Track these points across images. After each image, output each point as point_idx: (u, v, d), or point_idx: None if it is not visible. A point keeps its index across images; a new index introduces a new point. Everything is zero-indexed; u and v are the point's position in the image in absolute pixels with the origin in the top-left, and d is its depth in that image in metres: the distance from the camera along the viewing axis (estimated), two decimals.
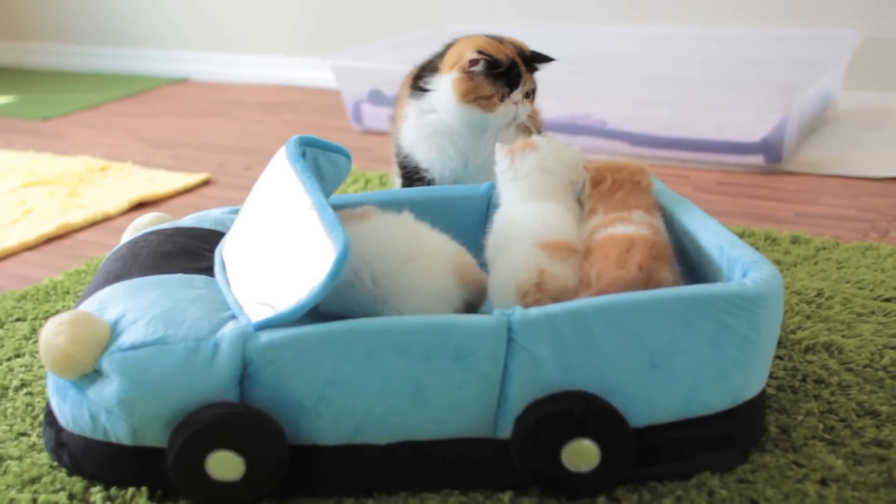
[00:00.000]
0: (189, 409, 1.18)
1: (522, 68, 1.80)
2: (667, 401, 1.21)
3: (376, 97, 3.21)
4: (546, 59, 1.83)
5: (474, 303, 1.44)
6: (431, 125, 1.87)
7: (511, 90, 1.78)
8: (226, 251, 1.45)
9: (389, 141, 2.06)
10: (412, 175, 1.92)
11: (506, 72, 1.78)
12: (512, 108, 1.80)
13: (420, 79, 1.89)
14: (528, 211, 1.49)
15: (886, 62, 3.02)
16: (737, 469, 1.25)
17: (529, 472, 1.21)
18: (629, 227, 1.39)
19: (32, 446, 1.37)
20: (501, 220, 1.52)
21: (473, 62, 1.77)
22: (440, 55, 1.88)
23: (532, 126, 1.89)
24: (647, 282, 1.28)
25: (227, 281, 1.37)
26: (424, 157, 1.90)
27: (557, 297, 1.32)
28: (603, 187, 1.50)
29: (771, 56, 3.07)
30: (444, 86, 1.82)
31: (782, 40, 3.08)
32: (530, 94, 1.83)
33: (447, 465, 1.23)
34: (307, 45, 4.02)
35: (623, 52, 3.33)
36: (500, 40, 1.83)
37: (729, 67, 3.11)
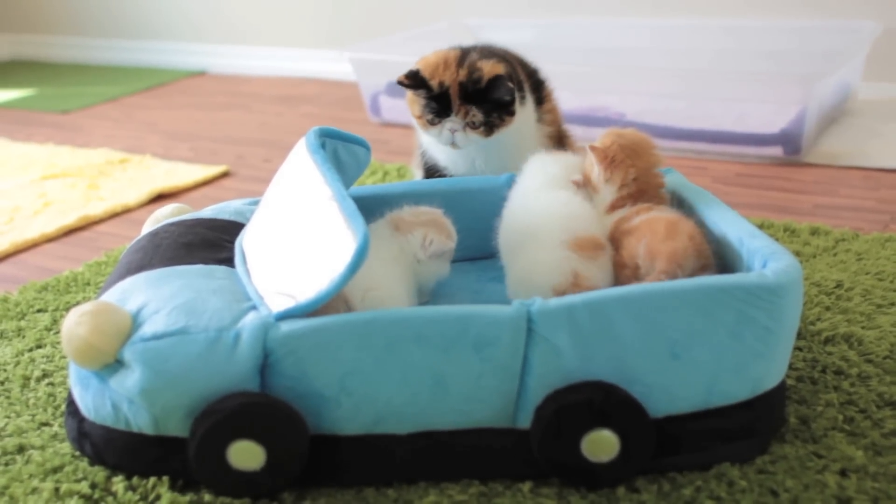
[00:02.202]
0: (210, 398, 1.19)
1: (455, 100, 1.76)
2: (687, 391, 1.21)
3: (394, 89, 3.21)
4: (506, 92, 1.76)
5: None
6: None
7: (439, 118, 1.78)
8: (246, 242, 1.45)
9: (409, 133, 2.06)
10: (432, 171, 1.93)
11: (434, 98, 1.77)
12: (446, 133, 1.79)
13: None
14: (548, 201, 1.50)
15: None
16: (756, 460, 1.25)
17: (549, 463, 1.21)
18: (663, 213, 1.41)
19: (54, 436, 1.38)
20: (516, 212, 1.52)
21: (399, 80, 1.77)
22: None
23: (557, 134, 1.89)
24: (699, 252, 1.30)
25: (247, 271, 1.37)
26: (439, 156, 1.91)
27: None
28: (628, 180, 1.52)
29: (787, 48, 3.06)
30: None
31: (799, 32, 3.07)
32: (479, 125, 1.78)
33: (467, 455, 1.23)
34: (325, 38, 4.02)
35: (638, 44, 3.33)
36: (460, 62, 1.78)
37: (745, 59, 3.10)
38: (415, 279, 1.52)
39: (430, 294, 1.57)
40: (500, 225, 1.56)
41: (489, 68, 1.76)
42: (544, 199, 1.51)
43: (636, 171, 1.52)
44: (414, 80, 1.76)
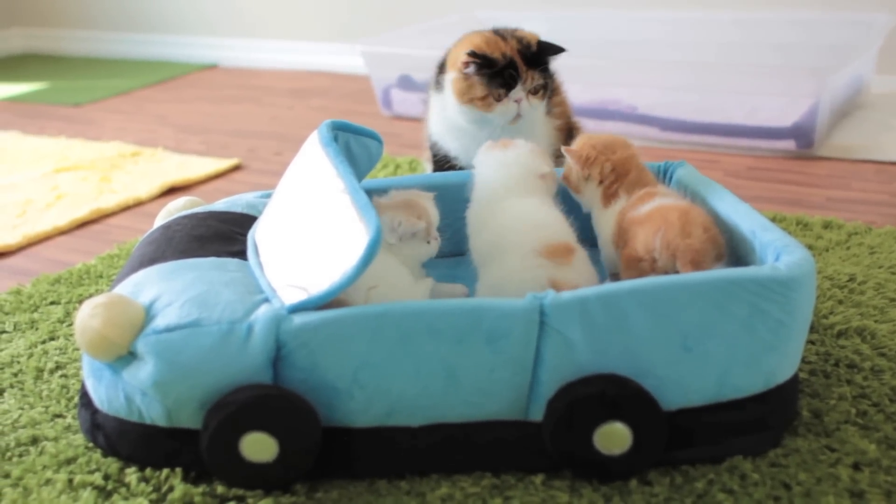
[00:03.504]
0: (223, 391, 1.19)
1: (522, 67, 1.78)
2: (699, 384, 1.21)
3: (406, 83, 3.21)
4: (557, 49, 1.82)
5: None
6: (449, 119, 1.89)
7: (508, 90, 1.78)
8: (258, 235, 1.46)
9: (420, 127, 2.06)
10: (442, 163, 1.93)
11: (500, 71, 1.77)
12: (513, 106, 1.80)
13: (439, 73, 1.90)
14: (517, 210, 1.50)
15: None
16: (769, 453, 1.24)
17: (561, 455, 1.21)
18: (669, 200, 1.42)
19: (68, 427, 1.39)
20: (483, 218, 1.53)
21: (465, 63, 1.78)
22: (450, 51, 1.89)
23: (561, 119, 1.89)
24: (715, 243, 1.32)
25: (259, 264, 1.37)
26: (451, 146, 1.91)
27: None
28: (605, 173, 1.54)
29: (799, 41, 3.05)
30: (447, 84, 1.85)
31: (811, 25, 3.06)
32: (539, 90, 1.82)
33: (479, 447, 1.23)
34: (336, 31, 4.02)
35: (650, 37, 3.32)
36: (503, 36, 1.82)
37: (757, 52, 3.10)
38: (415, 270, 1.52)
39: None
40: (469, 230, 1.56)
41: (529, 34, 1.83)
42: (512, 210, 1.51)
43: (611, 164, 1.54)
44: (483, 59, 1.77)
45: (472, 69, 1.78)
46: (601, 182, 1.54)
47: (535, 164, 1.56)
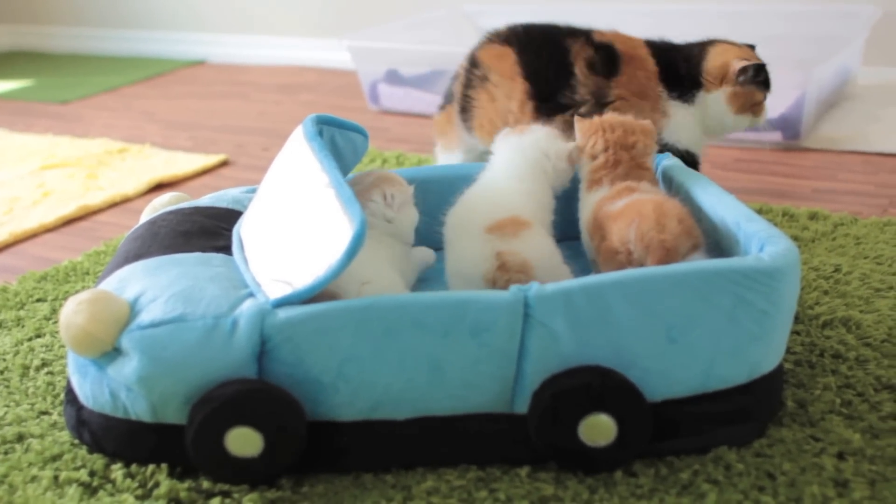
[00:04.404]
0: (208, 385, 1.19)
1: None
2: (684, 375, 1.21)
3: (393, 77, 3.21)
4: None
5: None
6: (711, 129, 1.94)
7: (767, 91, 1.88)
8: (243, 230, 1.45)
9: (408, 121, 2.06)
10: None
11: (765, 78, 1.88)
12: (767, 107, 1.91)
13: (680, 86, 1.91)
14: (478, 193, 1.53)
15: None
16: (754, 443, 1.25)
17: (546, 447, 1.21)
18: (647, 195, 1.42)
19: (54, 424, 1.39)
20: (459, 204, 1.53)
21: (743, 71, 1.85)
22: (695, 64, 1.91)
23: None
24: (689, 234, 1.32)
25: (244, 259, 1.37)
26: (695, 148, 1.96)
27: (522, 269, 1.38)
28: (597, 150, 1.55)
29: (786, 32, 3.05)
30: (716, 100, 1.89)
31: (797, 16, 3.06)
32: None
33: (465, 440, 1.23)
34: (324, 26, 4.02)
35: (637, 29, 3.30)
36: (749, 46, 1.93)
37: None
38: (405, 258, 1.55)
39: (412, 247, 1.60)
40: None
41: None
42: (468, 191, 1.54)
43: (605, 143, 1.54)
44: (756, 68, 1.88)
45: (749, 76, 1.86)
46: (592, 158, 1.55)
47: (553, 147, 1.58)
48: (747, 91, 1.87)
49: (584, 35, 1.92)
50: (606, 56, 1.89)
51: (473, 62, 1.98)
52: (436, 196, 1.64)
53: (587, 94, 1.87)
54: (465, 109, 2.00)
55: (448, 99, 2.09)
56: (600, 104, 1.86)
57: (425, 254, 1.66)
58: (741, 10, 3.16)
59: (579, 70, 1.87)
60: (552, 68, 1.89)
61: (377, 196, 1.50)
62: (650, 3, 3.35)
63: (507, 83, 1.92)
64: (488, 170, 1.60)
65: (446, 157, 2.08)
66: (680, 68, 1.91)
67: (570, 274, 1.44)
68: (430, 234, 1.61)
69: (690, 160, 1.92)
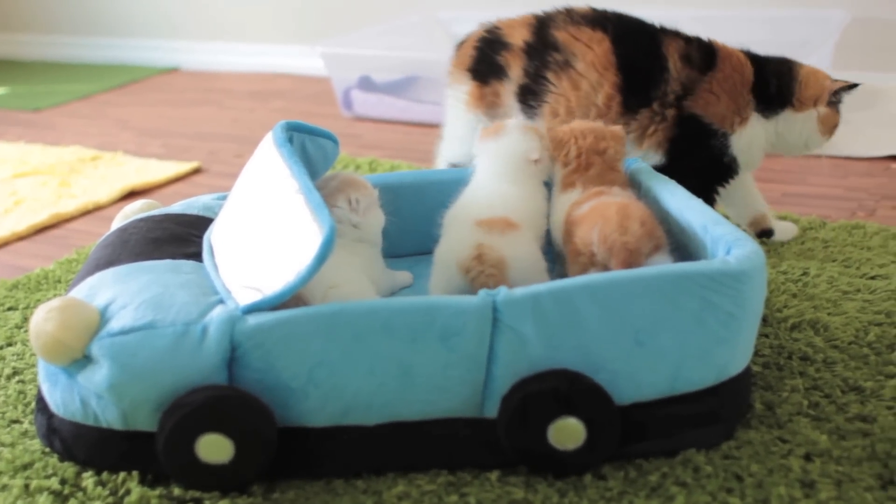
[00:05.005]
0: (178, 392, 1.19)
1: None
2: (652, 378, 1.22)
3: (366, 84, 3.22)
4: None
5: None
6: (788, 147, 1.91)
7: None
8: (214, 236, 1.46)
9: (381, 127, 2.06)
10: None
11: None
12: None
13: (767, 100, 1.86)
14: (475, 193, 1.54)
15: (874, 42, 3.03)
16: (722, 445, 1.26)
17: (516, 451, 1.22)
18: (614, 198, 1.43)
19: (24, 433, 1.38)
20: (459, 200, 1.55)
21: (839, 91, 1.85)
22: (786, 83, 1.87)
23: None
24: (651, 235, 1.33)
25: (215, 266, 1.37)
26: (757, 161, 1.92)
27: (497, 266, 1.38)
28: (570, 158, 1.57)
29: (756, 38, 3.06)
30: (806, 120, 1.86)
31: (768, 22, 3.08)
32: None
33: (435, 445, 1.24)
34: (297, 33, 4.02)
35: None
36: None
37: None
38: (375, 262, 1.55)
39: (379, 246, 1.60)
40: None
41: None
42: (468, 190, 1.56)
43: (577, 150, 1.56)
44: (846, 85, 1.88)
45: (841, 97, 1.86)
46: (565, 165, 1.56)
47: (526, 149, 1.58)
48: (836, 113, 1.85)
49: (674, 31, 1.88)
50: (704, 50, 1.83)
51: (549, 42, 1.84)
52: (408, 201, 1.65)
53: (678, 87, 1.80)
54: (534, 92, 1.84)
55: (495, 72, 1.91)
56: (679, 98, 1.80)
57: (404, 277, 1.66)
58: (714, 15, 3.17)
59: (673, 64, 1.80)
60: (649, 61, 1.81)
61: (342, 202, 1.50)
62: (623, 7, 3.36)
63: (597, 74, 1.80)
64: (479, 172, 1.59)
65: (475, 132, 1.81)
66: (770, 84, 1.86)
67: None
68: (402, 240, 1.62)
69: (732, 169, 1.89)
